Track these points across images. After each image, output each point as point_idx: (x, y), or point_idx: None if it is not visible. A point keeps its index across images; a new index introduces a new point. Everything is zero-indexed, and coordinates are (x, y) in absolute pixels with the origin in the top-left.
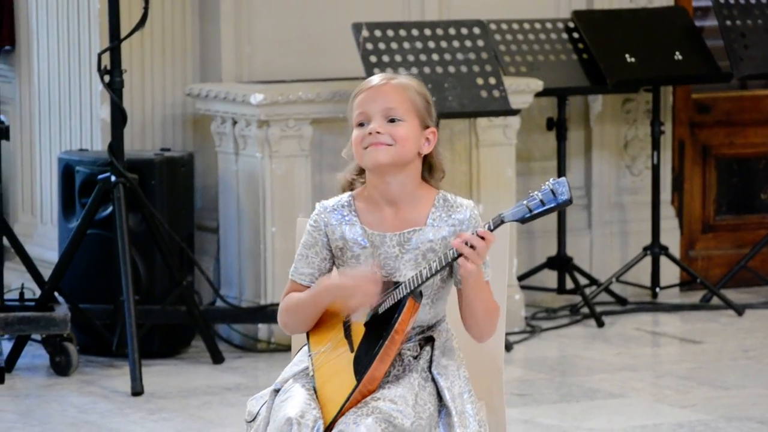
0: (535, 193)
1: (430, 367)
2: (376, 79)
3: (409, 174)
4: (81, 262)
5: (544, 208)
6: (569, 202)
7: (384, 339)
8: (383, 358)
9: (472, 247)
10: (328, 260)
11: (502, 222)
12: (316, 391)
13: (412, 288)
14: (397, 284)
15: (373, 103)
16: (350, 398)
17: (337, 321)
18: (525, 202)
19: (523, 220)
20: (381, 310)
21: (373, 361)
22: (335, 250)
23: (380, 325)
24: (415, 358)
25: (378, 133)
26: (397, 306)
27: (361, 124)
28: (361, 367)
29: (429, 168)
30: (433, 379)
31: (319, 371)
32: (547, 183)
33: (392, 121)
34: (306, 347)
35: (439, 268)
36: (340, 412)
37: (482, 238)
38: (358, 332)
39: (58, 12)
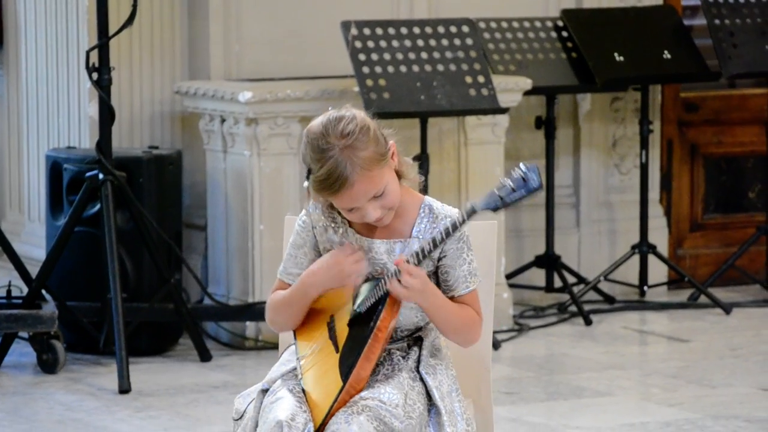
0: (506, 180)
1: (417, 367)
2: (331, 153)
3: None
4: (68, 259)
5: (516, 195)
6: (540, 188)
7: (367, 337)
8: (368, 356)
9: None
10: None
11: (474, 212)
12: (305, 393)
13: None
14: (377, 281)
15: (354, 202)
16: (338, 399)
17: (322, 322)
18: (496, 190)
19: (495, 209)
20: (362, 308)
21: (358, 360)
22: (323, 252)
23: (363, 324)
24: (404, 357)
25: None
26: (378, 304)
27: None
28: (346, 367)
29: (398, 176)
30: (422, 379)
31: (307, 374)
32: (517, 169)
33: (379, 194)
34: (293, 347)
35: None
36: (329, 414)
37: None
38: (343, 332)
39: (46, 9)
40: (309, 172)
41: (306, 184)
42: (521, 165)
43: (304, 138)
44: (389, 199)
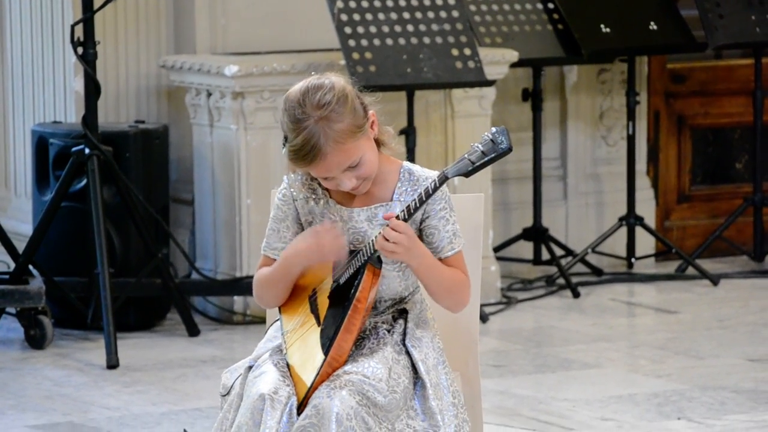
0: (476, 144)
1: (403, 340)
2: (307, 126)
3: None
4: (55, 235)
5: (486, 158)
6: (509, 150)
7: (346, 309)
8: (348, 328)
9: (388, 236)
10: (299, 234)
11: (446, 178)
12: (289, 368)
13: (369, 255)
14: (356, 252)
15: (328, 172)
16: (320, 372)
17: (305, 296)
18: (467, 155)
19: (467, 174)
20: (342, 280)
21: (338, 333)
22: (305, 224)
23: (343, 295)
24: (389, 331)
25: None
26: (357, 274)
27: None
28: (327, 339)
29: (378, 144)
30: (407, 352)
31: (291, 348)
32: (487, 133)
33: (354, 165)
34: (278, 323)
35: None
36: (312, 387)
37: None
38: (324, 305)
39: None
40: (285, 139)
41: (284, 151)
42: (491, 128)
43: (283, 104)
44: (364, 170)
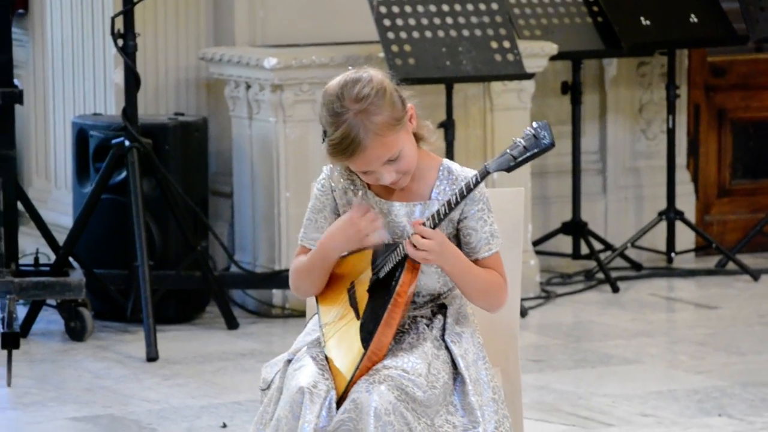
0: (518, 140)
1: (443, 335)
2: (346, 118)
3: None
4: (95, 227)
5: (528, 154)
6: (552, 145)
7: (387, 303)
8: (388, 322)
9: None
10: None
11: (488, 173)
12: (328, 361)
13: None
14: (395, 246)
15: (368, 165)
16: (360, 366)
17: (343, 288)
18: (509, 150)
19: (508, 169)
20: (381, 274)
21: (378, 327)
22: (342, 215)
23: (383, 289)
24: (429, 326)
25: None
26: (397, 268)
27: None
28: (367, 333)
29: (417, 139)
30: (447, 347)
31: (330, 341)
32: (529, 128)
33: (394, 158)
34: (317, 317)
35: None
36: (351, 381)
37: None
38: (363, 299)
39: None
40: (325, 134)
41: (323, 145)
42: (533, 123)
43: (321, 99)
44: (404, 163)
